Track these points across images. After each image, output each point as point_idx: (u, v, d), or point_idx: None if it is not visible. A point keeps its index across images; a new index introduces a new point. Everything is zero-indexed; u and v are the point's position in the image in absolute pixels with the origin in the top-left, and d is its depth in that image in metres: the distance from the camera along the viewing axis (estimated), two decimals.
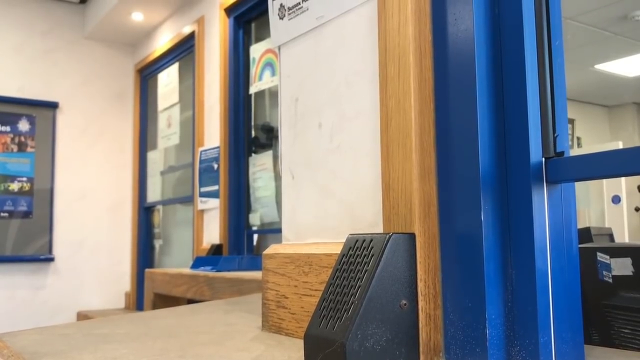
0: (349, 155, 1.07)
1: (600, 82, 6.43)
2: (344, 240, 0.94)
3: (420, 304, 0.87)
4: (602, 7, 4.53)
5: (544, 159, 0.83)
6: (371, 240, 0.88)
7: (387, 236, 0.86)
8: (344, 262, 0.90)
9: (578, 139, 6.97)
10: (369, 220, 1.01)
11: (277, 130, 1.25)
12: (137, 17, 4.47)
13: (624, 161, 0.74)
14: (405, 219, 0.90)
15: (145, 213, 4.92)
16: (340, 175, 1.09)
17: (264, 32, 3.57)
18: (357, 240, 0.90)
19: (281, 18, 1.26)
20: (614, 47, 5.41)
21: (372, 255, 0.85)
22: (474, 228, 0.82)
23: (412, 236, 0.88)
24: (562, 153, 0.83)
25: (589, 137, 7.13)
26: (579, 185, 0.88)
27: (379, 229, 0.98)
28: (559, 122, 0.84)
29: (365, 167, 1.03)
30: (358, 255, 0.88)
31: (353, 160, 1.06)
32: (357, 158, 1.05)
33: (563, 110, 0.85)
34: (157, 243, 4.86)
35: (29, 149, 4.62)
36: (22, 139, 4.61)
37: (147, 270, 3.30)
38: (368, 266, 0.85)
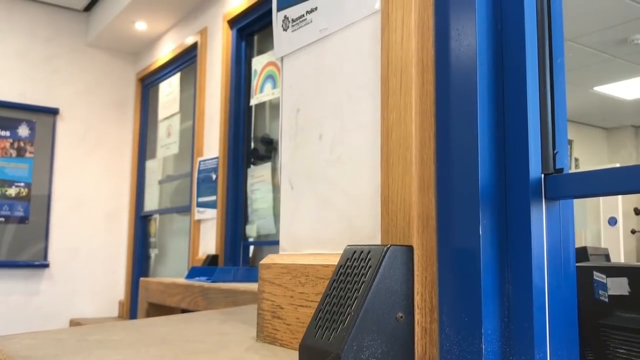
0: (348, 167, 1.07)
1: (599, 104, 6.47)
2: (342, 252, 0.94)
3: (417, 317, 0.86)
4: (603, 29, 4.57)
5: (543, 175, 0.83)
6: (369, 252, 0.87)
7: (385, 248, 0.86)
8: (341, 273, 0.90)
9: (576, 160, 6.99)
10: (367, 232, 1.01)
11: (277, 143, 1.25)
12: (141, 26, 4.50)
13: (623, 179, 0.74)
14: (404, 231, 0.90)
15: (141, 222, 4.91)
16: (339, 186, 1.09)
17: (266, 45, 3.59)
18: (354, 252, 0.90)
19: (285, 29, 1.27)
20: (614, 70, 5.45)
21: (370, 267, 0.85)
22: (472, 242, 0.83)
23: (410, 249, 0.88)
24: (561, 170, 0.84)
25: (587, 159, 7.16)
26: (575, 206, 0.88)
27: (377, 240, 0.98)
28: (558, 139, 0.85)
29: (365, 179, 1.03)
30: (355, 266, 0.88)
31: (353, 172, 1.06)
32: (356, 170, 1.05)
33: (563, 127, 0.86)
34: (153, 252, 4.85)
35: (27, 155, 4.62)
36: (22, 144, 4.61)
37: (141, 279, 3.28)
38: (365, 277, 0.84)
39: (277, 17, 1.29)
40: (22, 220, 4.55)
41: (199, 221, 3.86)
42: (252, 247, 3.59)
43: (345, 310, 0.83)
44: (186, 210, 4.19)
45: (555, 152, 0.84)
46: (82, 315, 4.71)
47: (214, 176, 3.71)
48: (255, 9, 3.50)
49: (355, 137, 1.06)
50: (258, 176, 3.43)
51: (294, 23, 1.24)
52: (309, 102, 1.19)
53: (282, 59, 1.29)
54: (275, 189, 3.26)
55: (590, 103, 6.44)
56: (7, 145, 4.56)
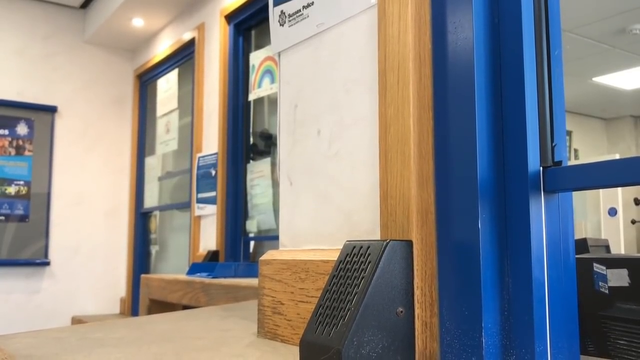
0: (347, 162, 1.07)
1: (598, 94, 6.46)
2: (341, 247, 0.94)
3: (417, 311, 0.86)
4: (601, 20, 4.55)
5: (541, 168, 0.83)
6: (368, 247, 0.87)
7: (385, 243, 0.86)
8: (340, 269, 0.90)
9: (575, 150, 6.99)
10: (367, 227, 1.01)
11: (276, 138, 1.25)
12: (138, 22, 4.48)
13: (622, 171, 0.74)
14: (403, 226, 0.90)
15: (142, 218, 4.91)
16: (338, 181, 1.09)
17: (263, 40, 3.58)
18: (354, 247, 0.90)
19: (282, 25, 1.26)
20: (612, 60, 5.44)
21: (369, 262, 0.85)
22: (471, 236, 0.82)
23: (409, 243, 0.88)
24: (560, 162, 0.83)
25: (586, 149, 7.15)
26: (575, 197, 0.88)
27: (376, 236, 0.98)
28: (557, 131, 0.85)
29: (364, 174, 1.03)
30: (355, 261, 0.88)
31: (351, 167, 1.06)
32: (355, 165, 1.05)
33: (561, 119, 0.86)
34: (154, 249, 4.85)
35: (26, 153, 4.61)
36: (20, 142, 4.60)
37: (142, 275, 3.29)
38: (365, 273, 0.84)
39: (274, 13, 1.29)
40: (22, 218, 4.55)
41: (199, 217, 3.86)
42: (252, 243, 3.59)
43: (345, 306, 0.83)
44: (186, 206, 4.19)
45: (553, 144, 0.84)
46: (83, 313, 4.71)
47: (213, 172, 3.70)
48: (252, 4, 3.49)
49: (354, 132, 1.06)
50: (257, 171, 3.43)
51: (291, 18, 1.23)
52: (307, 98, 1.19)
53: (279, 54, 1.28)
54: (275, 184, 3.26)
55: (589, 94, 6.43)
56: (6, 143, 4.55)
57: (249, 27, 3.68)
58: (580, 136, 7.16)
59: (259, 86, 3.42)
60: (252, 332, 1.21)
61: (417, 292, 0.87)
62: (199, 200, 3.84)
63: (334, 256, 1.00)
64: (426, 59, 0.92)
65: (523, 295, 0.80)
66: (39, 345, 1.06)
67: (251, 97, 3.53)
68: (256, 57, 3.50)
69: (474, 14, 0.85)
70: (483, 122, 0.84)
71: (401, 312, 0.85)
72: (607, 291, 1.03)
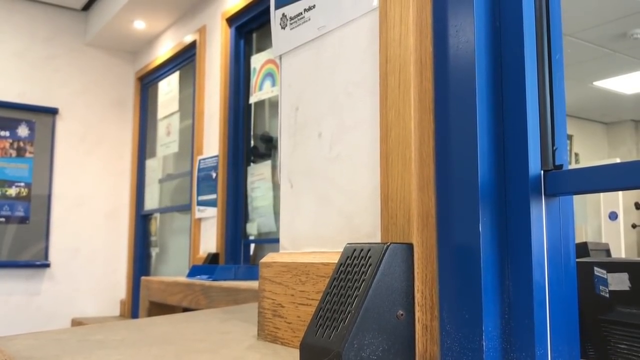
0: (348, 165, 1.07)
1: (599, 98, 6.46)
2: (342, 250, 0.94)
3: (417, 314, 0.86)
4: (602, 24, 4.56)
5: (542, 172, 0.83)
6: (369, 250, 0.87)
7: (385, 246, 0.86)
8: (341, 272, 0.90)
9: (576, 155, 6.99)
10: (367, 229, 1.01)
11: (276, 140, 1.25)
12: (139, 25, 4.49)
13: (622, 175, 0.74)
14: (404, 229, 0.90)
15: (142, 221, 4.91)
16: (339, 184, 1.09)
17: (265, 43, 3.59)
18: (354, 250, 0.90)
19: (283, 28, 1.26)
20: (613, 65, 5.44)
21: (370, 265, 0.85)
22: (471, 239, 0.83)
23: (410, 246, 0.88)
24: (560, 166, 0.84)
25: (587, 154, 7.15)
26: (575, 201, 0.88)
27: (377, 238, 0.98)
28: (558, 135, 0.85)
29: (364, 177, 1.03)
30: (356, 264, 0.88)
31: (352, 169, 1.06)
32: (356, 168, 1.05)
33: (562, 123, 0.86)
34: (154, 251, 4.85)
35: (27, 155, 4.62)
36: (21, 144, 4.60)
37: (143, 278, 3.29)
38: (365, 276, 0.84)
39: (275, 15, 1.29)
40: (23, 220, 4.55)
41: (199, 220, 3.86)
42: (252, 245, 3.59)
43: (345, 309, 0.83)
44: (186, 208, 4.19)
45: (554, 148, 0.84)
46: (83, 315, 4.71)
47: (214, 174, 3.70)
48: (254, 7, 3.50)
49: (355, 135, 1.06)
50: (258, 174, 3.43)
51: (292, 21, 1.24)
52: (308, 100, 1.19)
53: (280, 57, 1.28)
54: (276, 186, 3.26)
55: (590, 98, 6.43)
56: (7, 145, 4.55)
57: (250, 30, 3.68)
58: (581, 140, 7.16)
59: (260, 89, 3.43)
60: (252, 334, 1.21)
61: (417, 295, 0.87)
62: (200, 203, 3.84)
63: (335, 259, 1.00)
64: (427, 62, 0.92)
65: (523, 298, 0.80)
66: (40, 347, 1.06)
67: (252, 99, 3.53)
68: (257, 60, 3.50)
69: (475, 18, 0.85)
70: (484, 125, 0.84)
71: (401, 315, 0.85)
72: (607, 295, 1.03)
